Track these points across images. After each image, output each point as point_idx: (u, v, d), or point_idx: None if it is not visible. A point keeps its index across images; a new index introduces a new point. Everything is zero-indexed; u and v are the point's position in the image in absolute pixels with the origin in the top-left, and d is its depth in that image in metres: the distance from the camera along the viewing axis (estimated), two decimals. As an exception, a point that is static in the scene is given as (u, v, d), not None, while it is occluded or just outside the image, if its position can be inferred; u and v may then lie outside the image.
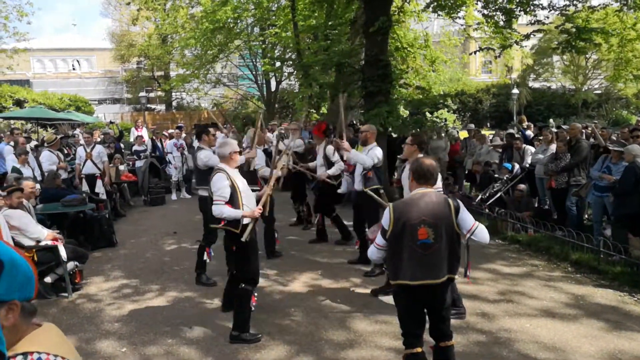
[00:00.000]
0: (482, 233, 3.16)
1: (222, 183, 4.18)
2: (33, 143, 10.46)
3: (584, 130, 8.25)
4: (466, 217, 3.15)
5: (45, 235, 5.36)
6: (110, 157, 10.31)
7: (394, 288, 3.25)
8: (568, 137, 7.81)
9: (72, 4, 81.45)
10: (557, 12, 9.29)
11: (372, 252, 3.32)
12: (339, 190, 7.06)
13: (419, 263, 3.03)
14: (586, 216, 7.78)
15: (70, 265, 5.50)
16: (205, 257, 5.62)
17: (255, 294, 4.33)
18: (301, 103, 13.84)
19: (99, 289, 5.65)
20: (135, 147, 11.99)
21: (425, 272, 3.03)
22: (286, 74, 21.73)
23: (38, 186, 7.47)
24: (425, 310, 3.21)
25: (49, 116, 15.05)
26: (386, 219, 3.13)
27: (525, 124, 12.74)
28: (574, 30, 8.94)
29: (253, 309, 4.28)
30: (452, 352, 3.23)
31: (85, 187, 8.87)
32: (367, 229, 5.45)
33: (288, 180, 6.76)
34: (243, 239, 4.14)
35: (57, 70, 37.26)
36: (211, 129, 6.39)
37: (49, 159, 8.63)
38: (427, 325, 3.25)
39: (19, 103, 22.94)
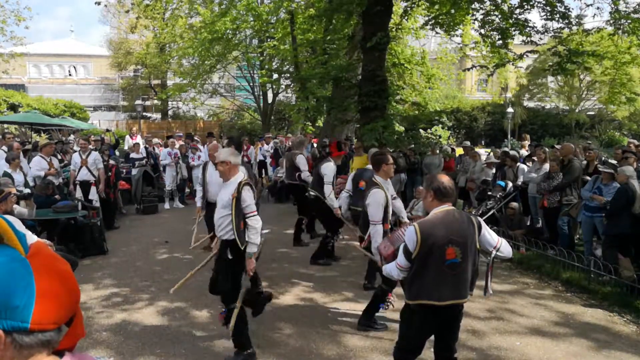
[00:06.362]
0: (506, 248, 3.20)
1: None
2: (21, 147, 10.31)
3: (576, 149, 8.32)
4: (490, 234, 3.16)
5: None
6: (106, 166, 10.20)
7: (411, 306, 3.12)
8: (561, 157, 7.90)
9: (70, 9, 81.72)
10: (551, 35, 9.48)
11: (393, 270, 3.18)
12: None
13: (447, 283, 2.97)
14: (577, 236, 7.83)
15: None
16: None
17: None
18: (297, 116, 13.91)
19: (88, 297, 5.59)
20: (132, 155, 11.95)
21: (453, 292, 2.99)
22: (283, 86, 21.85)
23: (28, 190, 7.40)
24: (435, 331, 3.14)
25: (43, 121, 14.97)
26: (412, 240, 2.99)
27: (527, 142, 12.84)
28: (565, 52, 9.11)
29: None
30: None
31: (79, 193, 8.81)
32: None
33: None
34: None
35: (53, 75, 37.18)
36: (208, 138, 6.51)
37: (37, 165, 8.49)
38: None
39: (13, 107, 22.83)
